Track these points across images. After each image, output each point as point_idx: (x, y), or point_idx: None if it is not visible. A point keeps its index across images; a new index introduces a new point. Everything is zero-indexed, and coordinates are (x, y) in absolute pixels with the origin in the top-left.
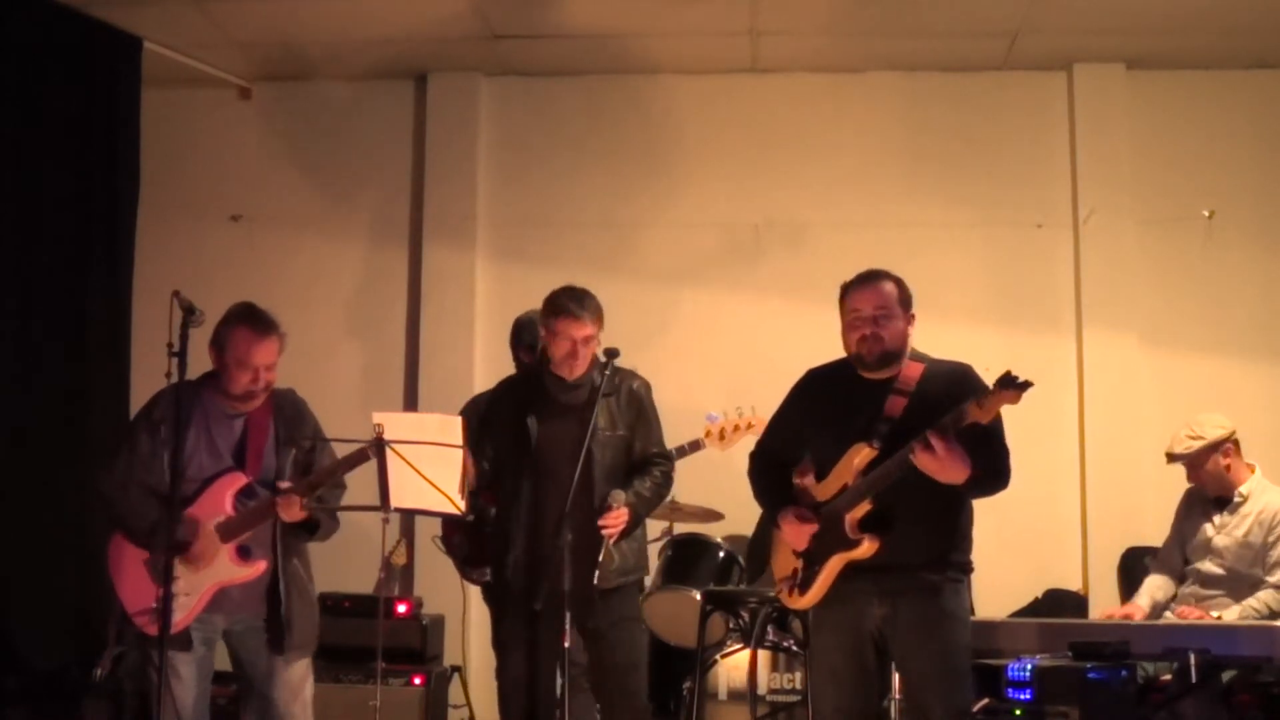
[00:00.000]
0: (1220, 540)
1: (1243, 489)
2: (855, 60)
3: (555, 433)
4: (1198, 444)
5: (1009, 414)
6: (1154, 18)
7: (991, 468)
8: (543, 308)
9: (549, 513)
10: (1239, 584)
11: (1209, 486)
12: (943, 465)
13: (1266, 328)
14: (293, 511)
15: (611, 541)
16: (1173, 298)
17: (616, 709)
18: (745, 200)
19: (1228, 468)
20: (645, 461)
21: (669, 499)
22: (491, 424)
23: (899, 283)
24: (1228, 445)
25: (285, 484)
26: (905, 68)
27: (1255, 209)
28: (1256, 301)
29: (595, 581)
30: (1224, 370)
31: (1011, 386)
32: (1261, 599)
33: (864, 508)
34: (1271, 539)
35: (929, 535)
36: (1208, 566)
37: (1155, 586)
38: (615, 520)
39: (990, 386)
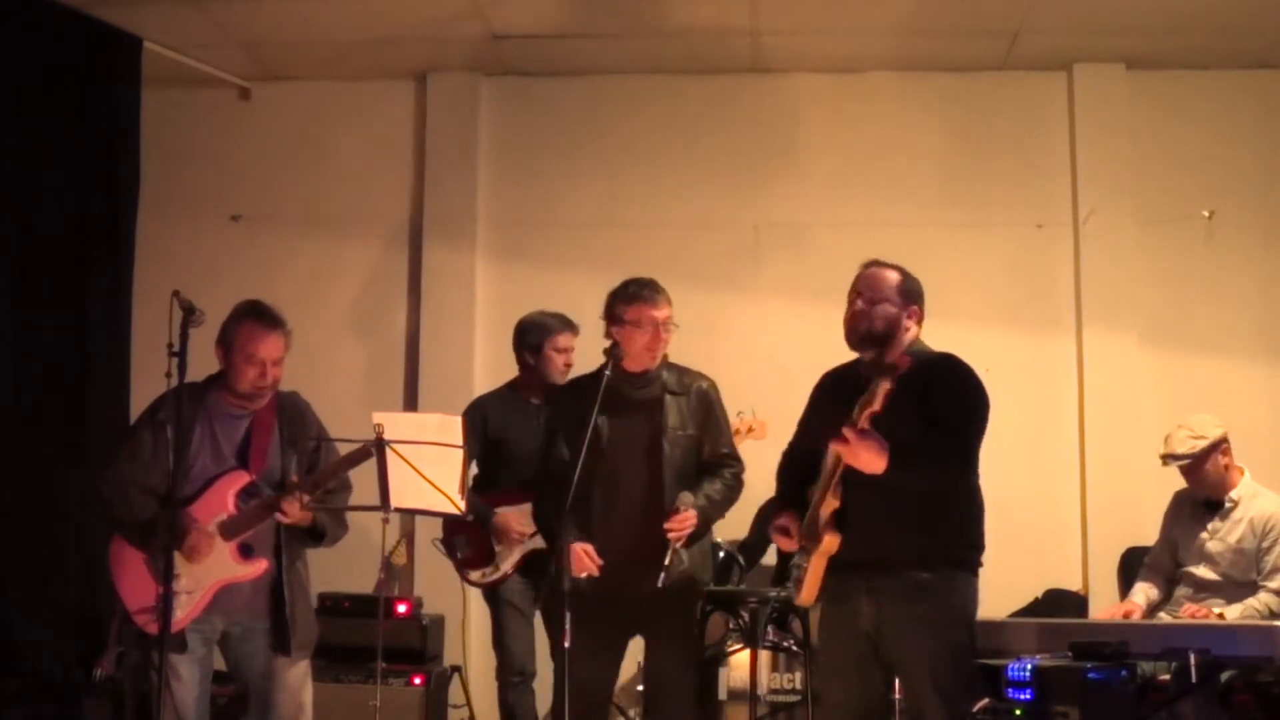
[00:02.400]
0: (1214, 546)
1: (1234, 494)
2: (855, 60)
3: (626, 431)
4: (1201, 443)
5: (1009, 413)
6: (1154, 18)
7: (916, 456)
8: (610, 302)
9: (619, 512)
10: (1233, 589)
11: (1206, 488)
12: (855, 455)
13: (1266, 328)
14: (294, 511)
15: (678, 545)
16: (1173, 298)
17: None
18: (745, 200)
19: (1226, 467)
20: (715, 463)
21: None
22: (560, 425)
23: (906, 275)
24: (1225, 444)
25: (293, 479)
26: (905, 68)
27: (1255, 209)
28: (1256, 301)
29: (660, 584)
30: (1224, 370)
31: (878, 371)
32: (1263, 600)
33: (831, 504)
34: (1266, 544)
35: (913, 531)
36: (1202, 571)
37: (1147, 587)
38: (682, 524)
39: (966, 371)
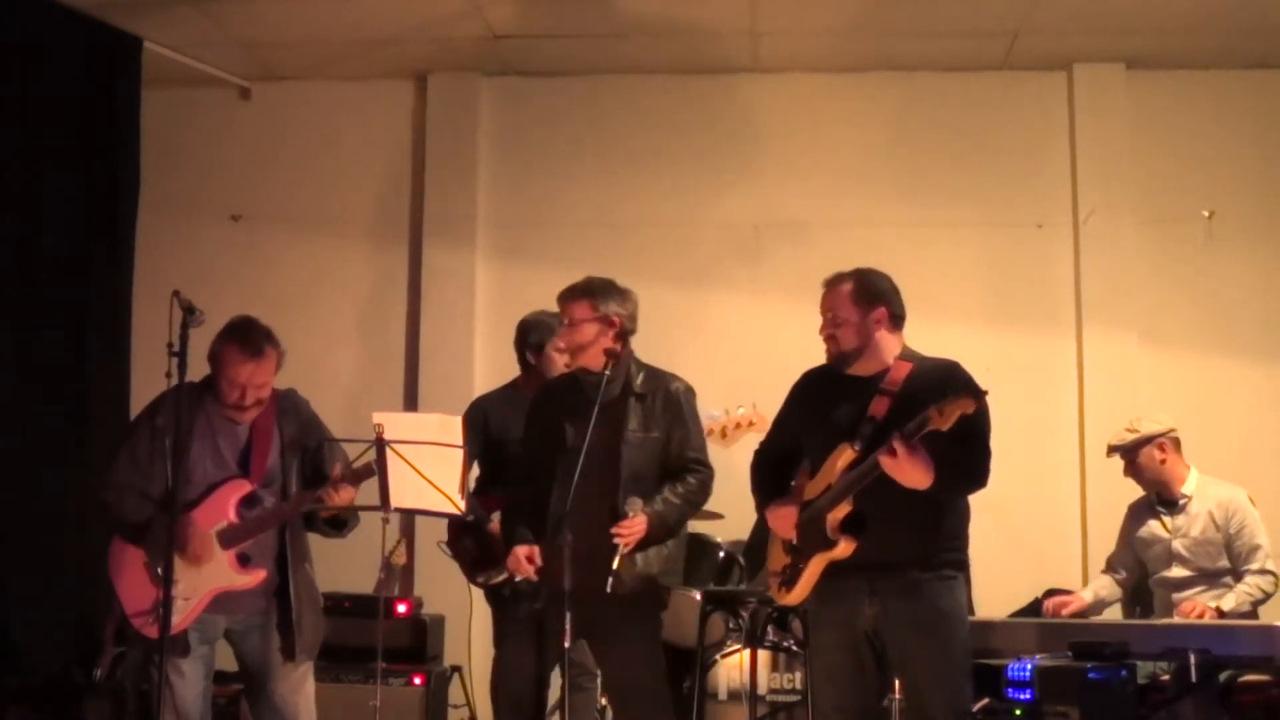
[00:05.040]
0: (1179, 544)
1: (1185, 489)
2: (855, 60)
3: (585, 431)
4: (1132, 437)
5: (1009, 413)
6: (1154, 18)
7: (959, 471)
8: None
9: (575, 514)
10: (1209, 580)
11: (1144, 482)
12: (903, 470)
13: (1266, 328)
14: (344, 498)
15: (625, 550)
16: (1173, 297)
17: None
18: (745, 200)
19: (1162, 462)
20: (680, 467)
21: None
22: (532, 425)
23: (860, 280)
24: (1163, 440)
25: (337, 472)
26: (905, 68)
27: (1255, 209)
28: (1256, 301)
29: (608, 589)
30: (1224, 370)
31: (967, 394)
32: (1252, 583)
33: (844, 509)
34: (1233, 530)
35: (918, 533)
36: (1176, 572)
37: (1101, 586)
38: (628, 529)
39: (971, 381)
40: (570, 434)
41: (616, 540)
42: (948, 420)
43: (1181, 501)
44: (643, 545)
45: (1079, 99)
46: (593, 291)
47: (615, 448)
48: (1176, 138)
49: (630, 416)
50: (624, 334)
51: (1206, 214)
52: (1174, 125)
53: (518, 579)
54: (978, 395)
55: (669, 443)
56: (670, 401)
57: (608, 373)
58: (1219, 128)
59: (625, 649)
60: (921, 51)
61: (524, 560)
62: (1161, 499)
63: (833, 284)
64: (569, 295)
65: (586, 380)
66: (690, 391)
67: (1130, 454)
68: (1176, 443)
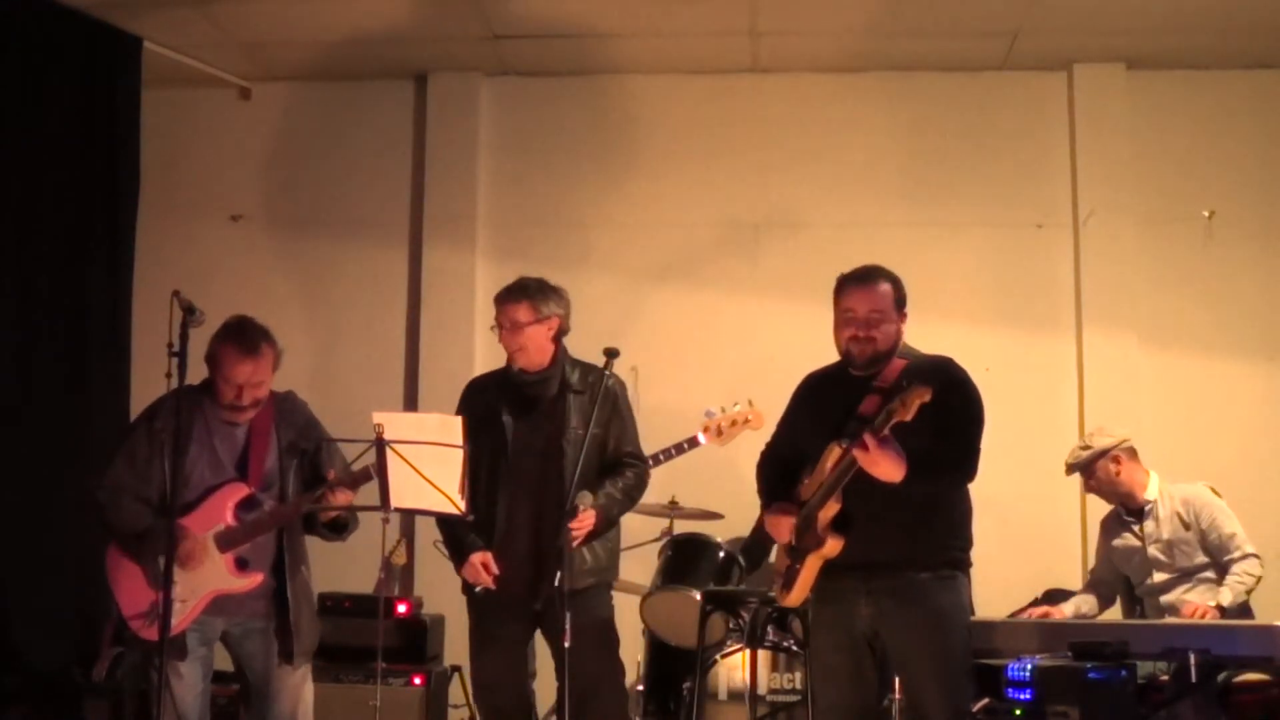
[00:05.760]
0: (1154, 550)
1: (1148, 495)
2: (855, 60)
3: (527, 431)
4: (1086, 453)
5: (1009, 413)
6: (1154, 18)
7: (932, 464)
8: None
9: (521, 512)
10: (1191, 577)
11: (1106, 495)
12: (875, 463)
13: (1266, 328)
14: (343, 499)
15: (576, 544)
16: (1173, 298)
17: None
18: (744, 200)
19: (1117, 474)
20: (618, 462)
21: (668, 500)
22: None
23: (895, 283)
24: (1116, 452)
25: (333, 477)
26: (905, 68)
27: (1255, 209)
28: (1256, 301)
29: (557, 584)
30: (1224, 370)
31: (923, 383)
32: (1242, 570)
33: (832, 507)
34: (1204, 525)
35: (911, 532)
36: (1158, 577)
37: (1081, 601)
38: (582, 524)
39: (951, 375)
40: (512, 434)
41: (570, 536)
42: (909, 410)
43: (1147, 508)
44: (588, 538)
45: (1079, 99)
46: (531, 293)
47: (557, 445)
48: (1176, 138)
49: (571, 414)
50: (561, 333)
51: (1206, 214)
52: (1174, 125)
53: (477, 589)
54: (928, 386)
55: (606, 438)
56: (608, 397)
57: (566, 370)
58: (1219, 128)
59: (580, 633)
60: (921, 51)
61: (481, 569)
62: (1128, 509)
63: (868, 282)
64: (508, 297)
65: (522, 379)
66: (623, 385)
67: (1087, 469)
68: (1132, 452)
